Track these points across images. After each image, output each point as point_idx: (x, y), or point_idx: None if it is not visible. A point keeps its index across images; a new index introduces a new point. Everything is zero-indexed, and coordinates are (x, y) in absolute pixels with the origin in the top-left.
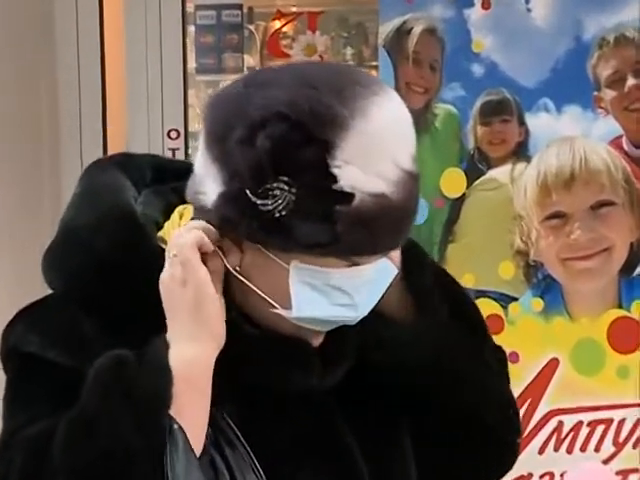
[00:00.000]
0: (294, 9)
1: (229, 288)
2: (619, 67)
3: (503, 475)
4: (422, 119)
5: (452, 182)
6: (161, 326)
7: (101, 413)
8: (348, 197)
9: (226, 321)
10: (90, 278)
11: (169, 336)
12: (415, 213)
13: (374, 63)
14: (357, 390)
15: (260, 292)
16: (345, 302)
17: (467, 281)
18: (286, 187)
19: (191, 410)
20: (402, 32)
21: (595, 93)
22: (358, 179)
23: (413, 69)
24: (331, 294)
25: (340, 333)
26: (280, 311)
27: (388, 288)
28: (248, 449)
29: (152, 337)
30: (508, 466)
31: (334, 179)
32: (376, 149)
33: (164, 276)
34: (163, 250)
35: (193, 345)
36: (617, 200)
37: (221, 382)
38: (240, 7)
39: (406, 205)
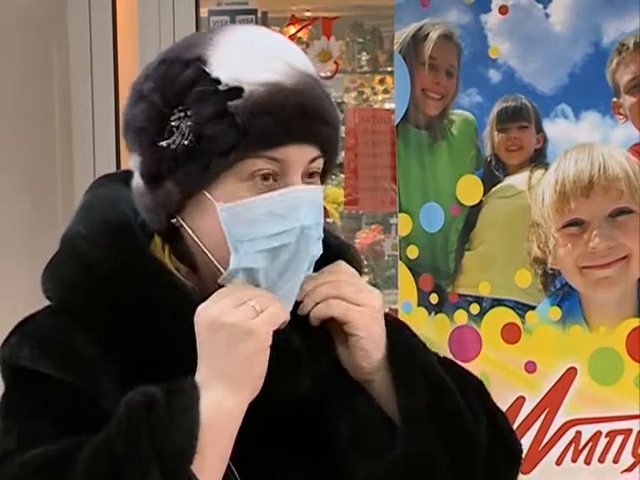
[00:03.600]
0: (308, 14)
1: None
2: (638, 73)
3: None
4: (438, 125)
5: (468, 189)
6: (149, 338)
7: (130, 457)
8: (237, 91)
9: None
10: (80, 288)
11: (204, 376)
12: (328, 110)
13: (389, 69)
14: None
15: (197, 239)
16: (283, 228)
17: (483, 289)
18: (182, 114)
19: (212, 465)
20: (418, 38)
21: (614, 99)
22: (242, 73)
23: (429, 75)
24: (268, 223)
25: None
26: (222, 277)
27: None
28: None
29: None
30: None
31: (217, 81)
32: (250, 48)
33: (228, 316)
34: (155, 259)
35: (232, 396)
36: (635, 208)
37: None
38: (254, 12)
39: (308, 92)
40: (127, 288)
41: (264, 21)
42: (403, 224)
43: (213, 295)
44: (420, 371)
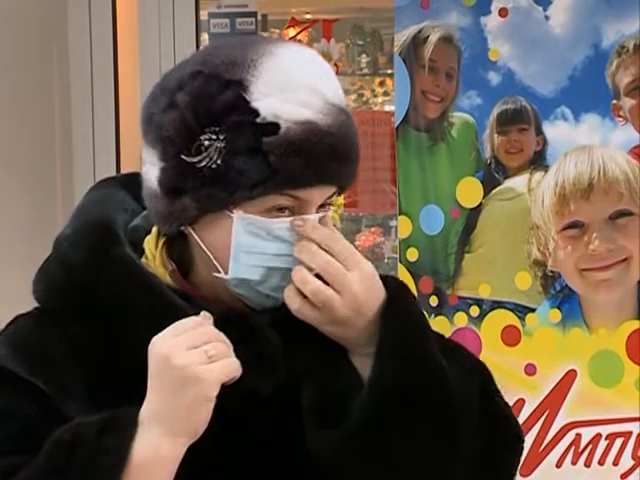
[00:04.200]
0: (308, 16)
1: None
2: (638, 75)
3: None
4: (438, 128)
5: (468, 191)
6: (122, 344)
7: None
8: (273, 127)
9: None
10: (61, 290)
11: (146, 414)
12: (355, 148)
13: (389, 71)
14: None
15: (207, 251)
16: (284, 252)
17: (483, 291)
18: (214, 136)
19: None
20: (418, 40)
21: (614, 101)
22: (280, 108)
23: (429, 77)
24: (274, 244)
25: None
26: (221, 275)
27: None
28: None
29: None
30: None
31: (256, 113)
32: (290, 80)
33: (178, 357)
34: (130, 257)
35: (168, 442)
36: (635, 210)
37: None
38: (254, 15)
39: (340, 133)
40: (102, 293)
41: (264, 24)
42: (403, 226)
43: (171, 327)
44: (405, 350)
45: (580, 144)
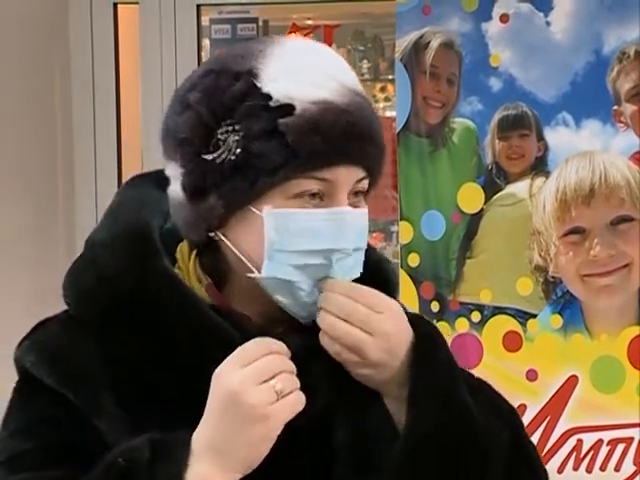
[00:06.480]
0: (310, 22)
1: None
2: (639, 81)
3: None
4: (439, 134)
5: (470, 197)
6: (157, 361)
7: None
8: (288, 108)
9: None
10: (96, 300)
11: (200, 444)
12: (376, 130)
13: (390, 77)
14: None
15: (238, 253)
16: (320, 247)
17: (484, 297)
18: (230, 128)
19: None
20: (419, 46)
21: (615, 107)
22: (293, 90)
23: (430, 83)
24: (307, 238)
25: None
26: (255, 274)
27: None
28: None
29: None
30: None
31: (269, 97)
32: (301, 63)
33: (249, 395)
34: (171, 273)
35: (223, 474)
36: (636, 216)
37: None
38: (255, 21)
39: (357, 112)
40: (140, 303)
41: (265, 30)
42: (404, 232)
43: (236, 354)
44: (439, 394)
45: (581, 150)
